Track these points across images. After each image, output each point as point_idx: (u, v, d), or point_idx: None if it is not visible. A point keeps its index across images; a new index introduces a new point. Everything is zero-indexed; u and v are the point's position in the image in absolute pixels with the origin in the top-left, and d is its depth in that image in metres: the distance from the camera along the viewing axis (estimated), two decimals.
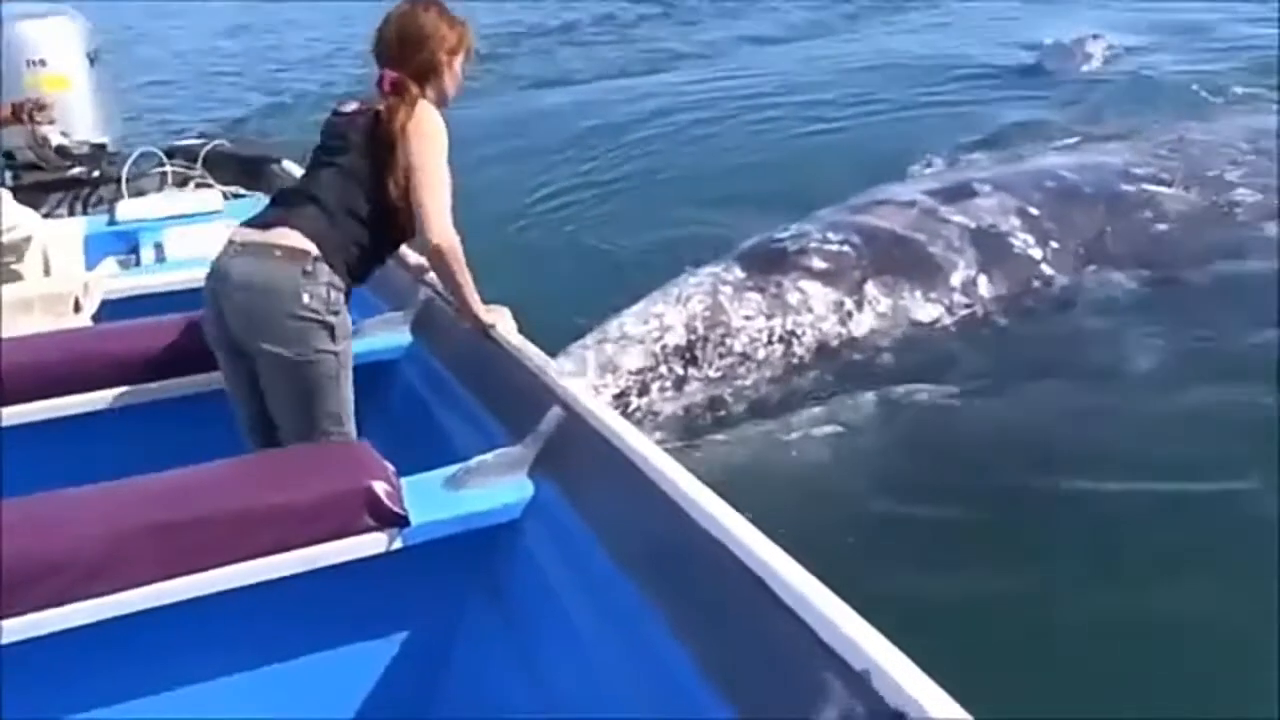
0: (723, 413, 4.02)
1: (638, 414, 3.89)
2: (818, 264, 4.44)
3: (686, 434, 3.90)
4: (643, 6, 13.39)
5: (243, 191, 4.91)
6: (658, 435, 3.71)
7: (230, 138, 5.68)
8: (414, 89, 2.64)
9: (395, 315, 3.25)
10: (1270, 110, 7.04)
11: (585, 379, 3.78)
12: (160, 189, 4.94)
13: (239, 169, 5.08)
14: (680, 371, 4.04)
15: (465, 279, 2.67)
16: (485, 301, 2.79)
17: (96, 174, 5.11)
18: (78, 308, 3.62)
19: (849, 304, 4.36)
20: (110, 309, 3.62)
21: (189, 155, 5.09)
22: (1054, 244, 4.86)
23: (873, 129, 7.81)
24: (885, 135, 7.53)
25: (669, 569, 1.95)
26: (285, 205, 2.67)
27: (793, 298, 4.32)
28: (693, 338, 4.12)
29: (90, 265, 4.17)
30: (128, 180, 4.88)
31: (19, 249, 4.04)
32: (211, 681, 2.18)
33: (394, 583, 2.26)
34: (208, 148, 5.11)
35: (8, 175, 5.01)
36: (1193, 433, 3.79)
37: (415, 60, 2.66)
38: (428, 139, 2.58)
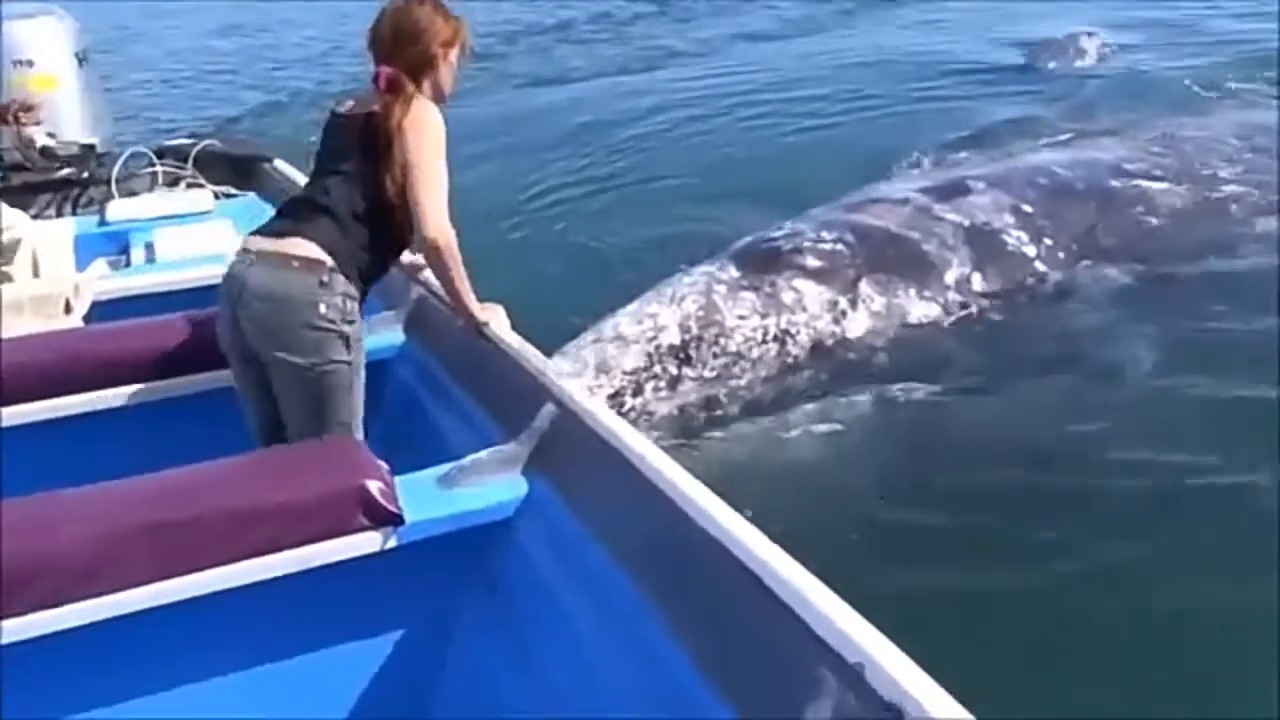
0: (717, 412, 4.02)
1: (632, 414, 3.88)
2: (812, 262, 4.43)
3: (681, 434, 3.90)
4: (639, 5, 13.39)
5: (234, 191, 4.90)
6: (653, 435, 3.69)
7: (221, 137, 5.66)
8: (410, 86, 2.64)
9: (389, 314, 3.24)
10: (1262, 105, 7.07)
11: (580, 379, 3.77)
12: (151, 189, 4.92)
13: (230, 169, 5.06)
14: (675, 371, 4.03)
15: (460, 276, 2.67)
16: (480, 299, 2.78)
17: (86, 175, 5.08)
18: (68, 309, 3.60)
19: (843, 302, 4.36)
20: (101, 310, 3.60)
21: (180, 155, 5.07)
22: (1048, 241, 4.86)
23: (866, 126, 7.83)
24: (878, 132, 7.54)
25: (664, 565, 1.95)
26: (297, 214, 2.67)
27: (787, 296, 4.32)
28: (687, 337, 4.11)
29: (81, 266, 4.15)
30: (118, 180, 4.86)
31: (8, 251, 4.01)
32: (207, 681, 2.17)
33: (389, 581, 2.25)
34: (198, 147, 5.08)
35: None
36: (1189, 428, 3.79)
37: (410, 54, 2.66)
38: (425, 135, 2.58)
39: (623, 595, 1.94)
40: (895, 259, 4.57)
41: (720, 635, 1.76)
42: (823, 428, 3.93)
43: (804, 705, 1.53)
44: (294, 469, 2.30)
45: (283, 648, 2.22)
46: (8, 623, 1.94)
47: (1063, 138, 6.52)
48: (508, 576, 2.30)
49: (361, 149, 2.62)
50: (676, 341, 4.09)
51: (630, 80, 10.11)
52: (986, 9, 11.49)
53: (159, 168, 4.98)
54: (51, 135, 4.96)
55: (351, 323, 2.60)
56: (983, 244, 4.74)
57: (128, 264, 4.16)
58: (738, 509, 1.89)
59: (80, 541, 2.03)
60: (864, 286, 4.42)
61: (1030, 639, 2.96)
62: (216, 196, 4.73)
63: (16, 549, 1.97)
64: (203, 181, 4.94)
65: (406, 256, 3.04)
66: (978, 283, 4.60)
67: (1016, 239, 4.83)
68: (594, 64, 10.96)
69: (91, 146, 5.14)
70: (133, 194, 4.84)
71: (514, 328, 2.80)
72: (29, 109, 4.20)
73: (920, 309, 4.46)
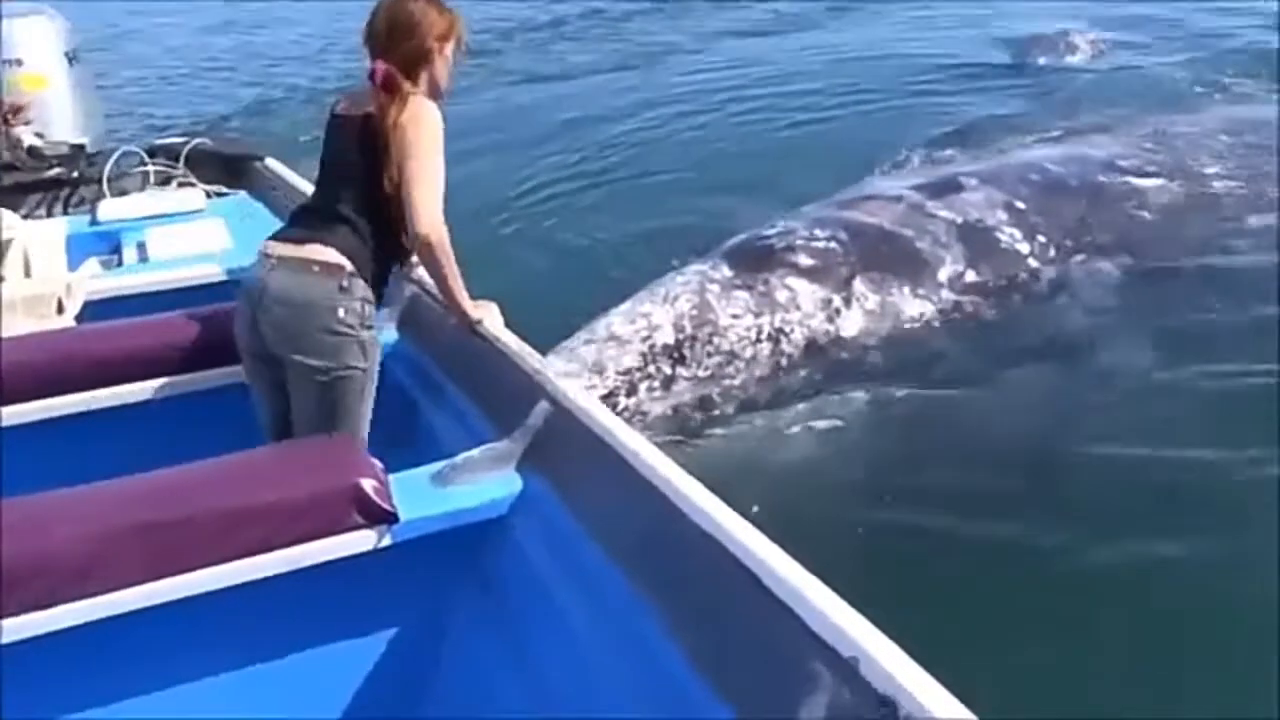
0: (711, 412, 4.01)
1: (626, 413, 3.88)
2: (805, 261, 4.43)
3: (676, 433, 3.89)
4: (632, 2, 13.37)
5: (225, 190, 4.87)
6: (647, 434, 3.68)
7: (212, 136, 5.63)
8: (405, 84, 2.65)
9: (382, 312, 3.21)
10: (1251, 101, 7.10)
11: (575, 379, 3.77)
12: (142, 188, 4.89)
13: (222, 167, 5.03)
14: (668, 371, 4.03)
15: (453, 272, 2.67)
16: (473, 297, 2.78)
17: (76, 174, 5.05)
18: (60, 309, 3.58)
19: (837, 301, 4.36)
20: (93, 310, 3.59)
21: (171, 154, 5.04)
22: (1041, 237, 4.87)
23: (858, 122, 7.83)
24: (871, 128, 7.55)
25: (658, 562, 1.95)
26: (314, 220, 2.70)
27: (780, 295, 4.31)
28: (681, 336, 4.11)
29: (72, 266, 4.12)
30: (109, 180, 4.83)
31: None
32: (201, 681, 2.17)
33: (383, 579, 2.25)
34: (189, 146, 5.05)
35: None
36: (1182, 423, 3.81)
37: (405, 49, 2.66)
38: (422, 130, 2.59)
39: (617, 592, 1.94)
40: (888, 256, 4.57)
41: (715, 631, 1.76)
42: (817, 426, 3.93)
43: (799, 700, 1.53)
44: (287, 468, 2.30)
45: (277, 647, 2.22)
46: (2, 623, 1.93)
47: (1054, 134, 6.53)
48: (502, 574, 2.30)
49: (361, 151, 2.63)
50: (670, 341, 4.09)
51: (623, 76, 10.10)
52: (978, 5, 11.52)
53: (150, 167, 4.95)
54: (40, 135, 4.93)
55: (369, 328, 2.65)
56: (976, 241, 4.74)
57: (120, 263, 4.14)
58: (733, 507, 1.89)
59: (74, 541, 2.02)
60: (857, 284, 4.42)
61: (1027, 633, 2.96)
62: (208, 195, 4.70)
63: (11, 549, 1.96)
64: (194, 180, 4.91)
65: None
66: (971, 279, 4.61)
67: (1009, 236, 4.84)
68: (587, 60, 10.95)
69: (81, 146, 5.11)
70: (124, 193, 4.81)
71: (507, 325, 2.80)
72: (18, 110, 4.18)
73: (914, 306, 4.46)
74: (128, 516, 2.07)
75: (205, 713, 2.14)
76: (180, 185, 4.89)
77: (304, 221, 2.73)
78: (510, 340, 2.70)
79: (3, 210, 4.18)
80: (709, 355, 4.11)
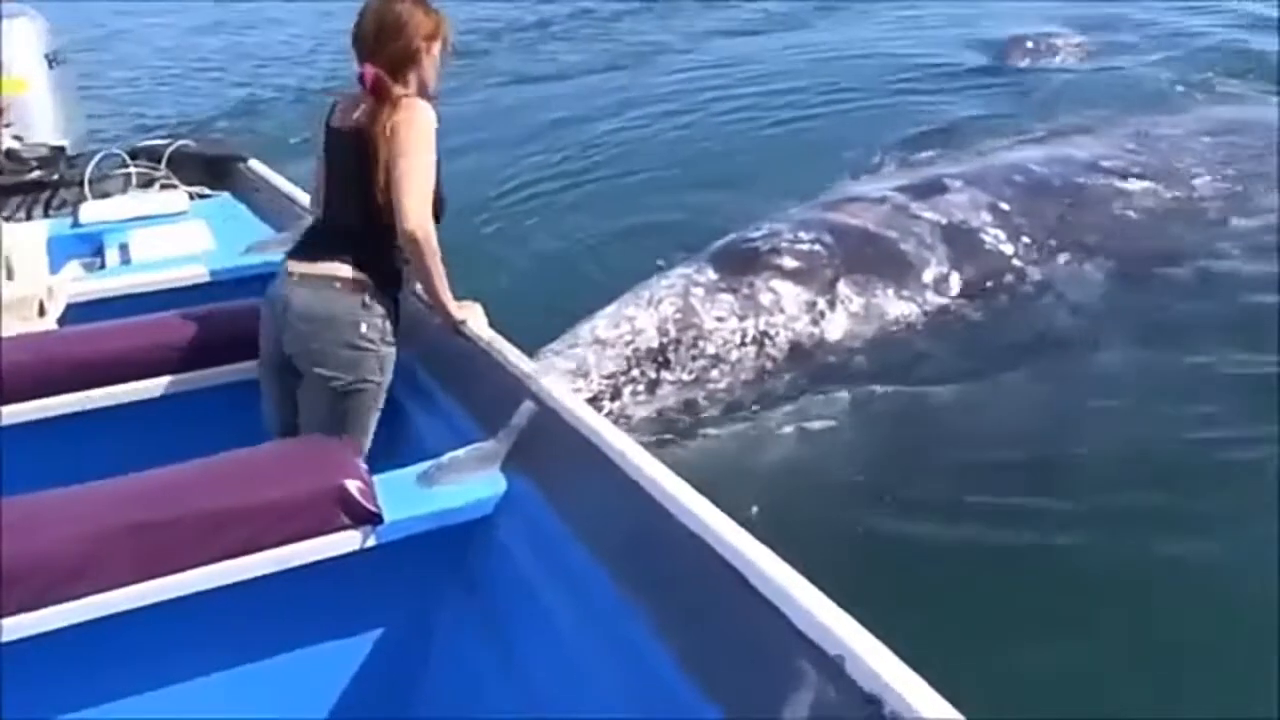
0: (696, 415, 4.00)
1: (610, 417, 3.87)
2: (789, 263, 4.43)
3: (660, 437, 3.89)
4: (619, 2, 13.39)
5: (208, 191, 4.85)
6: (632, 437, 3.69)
7: (195, 137, 5.60)
8: (396, 89, 2.67)
9: None
10: (1233, 101, 7.16)
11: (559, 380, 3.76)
12: (124, 190, 4.86)
13: (204, 169, 5.01)
14: (653, 375, 4.02)
15: (439, 272, 2.69)
16: (457, 297, 2.78)
17: (56, 177, 5.02)
18: (42, 312, 3.56)
19: (821, 303, 4.36)
20: (76, 312, 3.57)
21: (153, 155, 5.01)
22: (1025, 238, 4.88)
23: (843, 122, 7.83)
24: (855, 128, 7.55)
25: (644, 561, 1.95)
26: (329, 237, 2.76)
27: (765, 298, 4.31)
28: (665, 340, 4.10)
29: (54, 269, 4.10)
30: (91, 182, 4.80)
31: None
32: (188, 682, 2.17)
33: (369, 580, 2.25)
34: (172, 148, 5.03)
35: None
36: (1167, 424, 3.82)
37: (393, 50, 2.68)
38: (413, 131, 2.61)
39: (603, 592, 1.94)
40: (873, 258, 4.57)
41: (701, 630, 1.76)
42: (802, 428, 3.93)
43: (785, 698, 1.53)
44: (273, 468, 2.29)
45: (263, 647, 2.21)
46: None
47: (1038, 135, 6.54)
48: (487, 574, 2.30)
49: (360, 166, 2.66)
50: (654, 345, 4.08)
51: (610, 76, 10.09)
52: (964, 6, 11.58)
53: (132, 169, 4.93)
54: (18, 138, 4.90)
55: (389, 344, 2.71)
56: (960, 242, 4.75)
57: (102, 266, 4.12)
58: (720, 509, 1.89)
59: (63, 543, 2.02)
60: (842, 287, 4.42)
61: (1017, 633, 2.97)
62: (191, 197, 4.68)
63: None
64: (176, 182, 4.89)
65: None
66: (955, 281, 4.61)
67: (994, 237, 4.85)
68: (574, 61, 10.93)
69: (61, 148, 5.08)
70: (106, 195, 4.79)
71: (491, 325, 2.81)
72: None
73: (898, 308, 4.47)
74: (117, 517, 2.08)
75: (193, 713, 2.14)
76: (163, 187, 4.87)
77: (320, 238, 2.79)
78: (495, 340, 2.71)
79: None
80: (693, 359, 4.10)
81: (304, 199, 3.78)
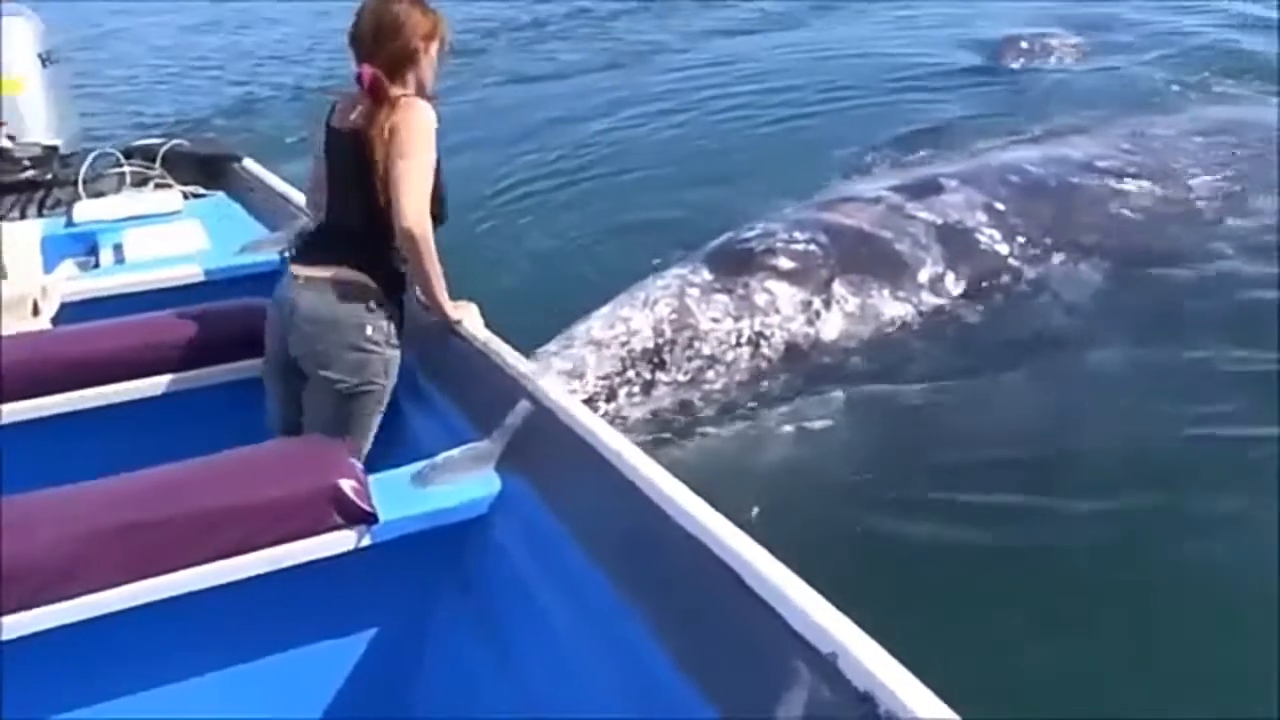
0: (692, 416, 4.00)
1: (606, 419, 3.86)
2: (784, 264, 4.43)
3: (656, 438, 3.89)
4: (615, 2, 13.40)
5: (203, 191, 4.84)
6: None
7: (189, 137, 5.58)
8: (394, 89, 2.67)
9: None
10: (1227, 102, 7.18)
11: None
12: (118, 190, 4.85)
13: (199, 168, 5.00)
14: (648, 376, 4.02)
15: (435, 270, 2.69)
16: (453, 298, 2.78)
17: (49, 176, 5.01)
18: (36, 311, 3.55)
19: (817, 304, 4.36)
20: (70, 312, 3.56)
21: (147, 155, 5.00)
22: (1020, 238, 4.88)
23: (838, 121, 7.83)
24: (850, 128, 7.55)
25: (639, 561, 1.95)
26: (334, 241, 2.78)
27: (760, 299, 4.31)
28: (660, 341, 4.10)
29: (48, 268, 4.09)
30: (85, 181, 4.79)
31: None
32: (182, 682, 2.16)
33: (364, 580, 2.25)
34: (166, 147, 5.02)
35: None
36: (1162, 423, 3.82)
37: (391, 50, 2.69)
38: (412, 131, 2.62)
39: (598, 590, 1.94)
40: (868, 258, 4.57)
41: (696, 629, 1.76)
42: (798, 429, 3.93)
43: (779, 697, 1.54)
44: (268, 468, 2.29)
45: (259, 647, 2.21)
46: None
47: (1033, 135, 6.56)
48: (482, 574, 2.30)
49: (359, 169, 2.67)
50: (650, 345, 4.08)
51: (607, 75, 10.10)
52: (959, 6, 11.60)
53: (126, 168, 4.91)
54: (11, 137, 4.89)
55: (395, 347, 2.73)
56: (955, 242, 4.75)
57: (96, 265, 4.11)
58: (715, 510, 1.89)
59: (57, 543, 2.02)
60: (837, 287, 4.42)
61: (1012, 632, 2.97)
62: (185, 196, 4.68)
63: None
64: (171, 181, 4.88)
65: None
66: (951, 281, 4.62)
67: (989, 237, 4.85)
68: (570, 60, 10.93)
69: (54, 148, 5.07)
70: (100, 195, 4.77)
71: (486, 326, 2.80)
72: None
73: (894, 308, 4.47)
74: (109, 517, 2.07)
75: (188, 713, 2.14)
76: (157, 186, 4.86)
77: (324, 241, 2.82)
78: (490, 340, 2.71)
79: None
80: (689, 359, 4.10)
81: (298, 199, 3.77)
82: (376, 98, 2.65)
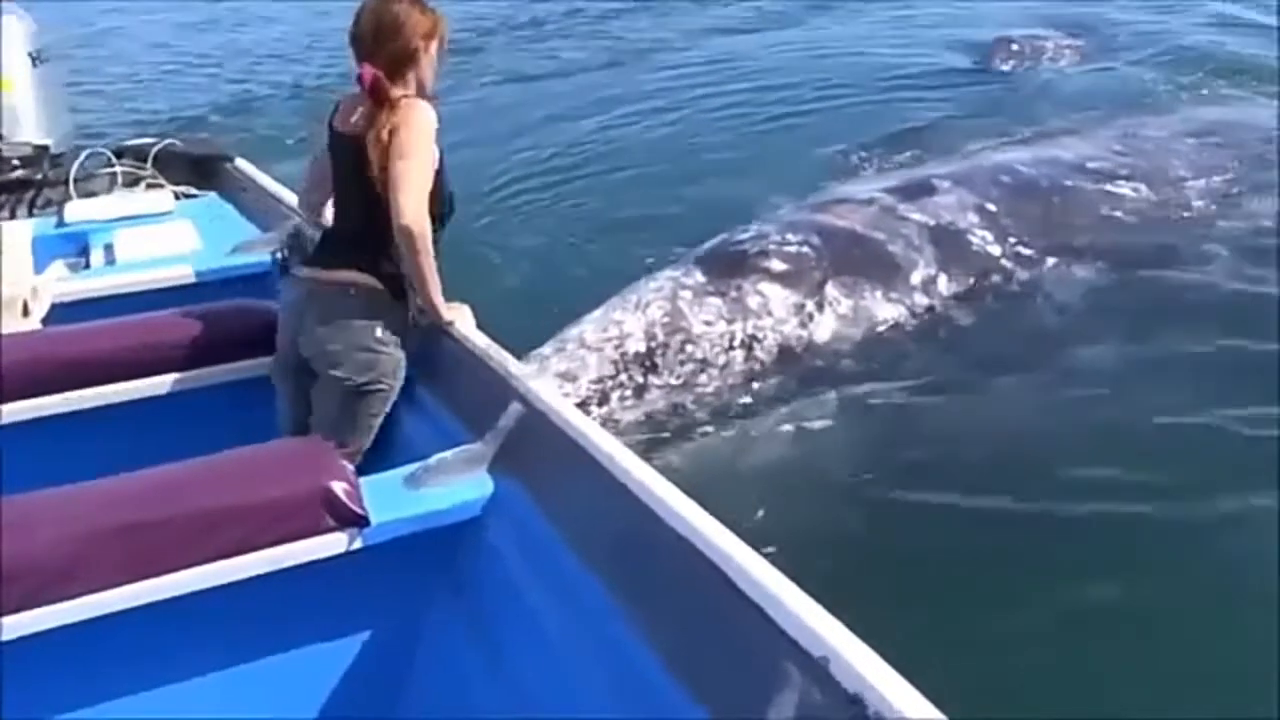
0: (684, 419, 4.00)
1: (598, 422, 3.86)
2: (777, 266, 4.44)
3: (648, 442, 3.88)
4: (609, 3, 13.41)
5: (195, 191, 4.82)
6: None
7: (182, 136, 5.56)
8: (394, 90, 2.68)
9: None
10: (1217, 103, 7.21)
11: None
12: (110, 190, 4.84)
13: (191, 168, 4.98)
14: (640, 379, 4.01)
15: (431, 268, 2.70)
16: (447, 299, 2.79)
17: (40, 176, 4.99)
18: (26, 312, 3.54)
19: (810, 306, 4.36)
20: (61, 313, 3.55)
21: (139, 155, 4.98)
22: (1013, 239, 4.89)
23: (831, 122, 7.82)
24: (842, 128, 7.54)
25: (631, 563, 1.95)
26: (342, 245, 2.81)
27: (753, 301, 4.31)
28: (653, 344, 4.09)
29: (38, 269, 4.07)
30: (76, 181, 4.77)
31: None
32: (175, 684, 2.16)
33: (356, 582, 2.25)
34: (158, 147, 5.00)
35: None
36: (1153, 425, 3.83)
37: (391, 49, 2.70)
38: (412, 132, 2.64)
39: (590, 593, 1.95)
40: (861, 260, 4.57)
41: (687, 631, 1.77)
42: (791, 431, 3.93)
43: (769, 698, 1.54)
44: (260, 471, 2.28)
45: (251, 649, 2.21)
46: None
47: (1025, 136, 6.57)
48: (475, 576, 2.30)
49: (363, 173, 2.69)
50: (642, 349, 4.07)
51: (602, 74, 10.10)
52: (951, 8, 11.63)
53: (118, 168, 4.90)
54: (1, 137, 4.87)
55: (403, 349, 2.76)
56: (948, 244, 4.76)
57: (87, 265, 4.09)
58: (707, 512, 1.89)
59: (50, 544, 2.02)
60: (830, 289, 4.42)
61: (1006, 632, 2.98)
62: (177, 197, 4.66)
63: None
64: (163, 182, 4.86)
65: None
66: (943, 283, 4.62)
67: (981, 238, 4.86)
68: (566, 60, 10.93)
69: (45, 147, 5.05)
70: (91, 195, 4.76)
71: (479, 328, 2.80)
72: None
73: (887, 310, 4.47)
74: (101, 519, 2.07)
75: (180, 713, 2.13)
76: (149, 186, 4.84)
77: (334, 246, 2.84)
78: (482, 342, 2.71)
79: None
80: (681, 363, 4.10)
81: (291, 199, 3.76)
82: (377, 98, 2.66)
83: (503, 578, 2.23)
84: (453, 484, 2.32)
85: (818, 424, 3.96)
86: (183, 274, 3.72)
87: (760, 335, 4.24)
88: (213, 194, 4.76)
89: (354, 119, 2.73)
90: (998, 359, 4.27)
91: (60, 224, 4.35)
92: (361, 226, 2.74)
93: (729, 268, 4.42)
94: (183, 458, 2.29)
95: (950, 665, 2.52)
